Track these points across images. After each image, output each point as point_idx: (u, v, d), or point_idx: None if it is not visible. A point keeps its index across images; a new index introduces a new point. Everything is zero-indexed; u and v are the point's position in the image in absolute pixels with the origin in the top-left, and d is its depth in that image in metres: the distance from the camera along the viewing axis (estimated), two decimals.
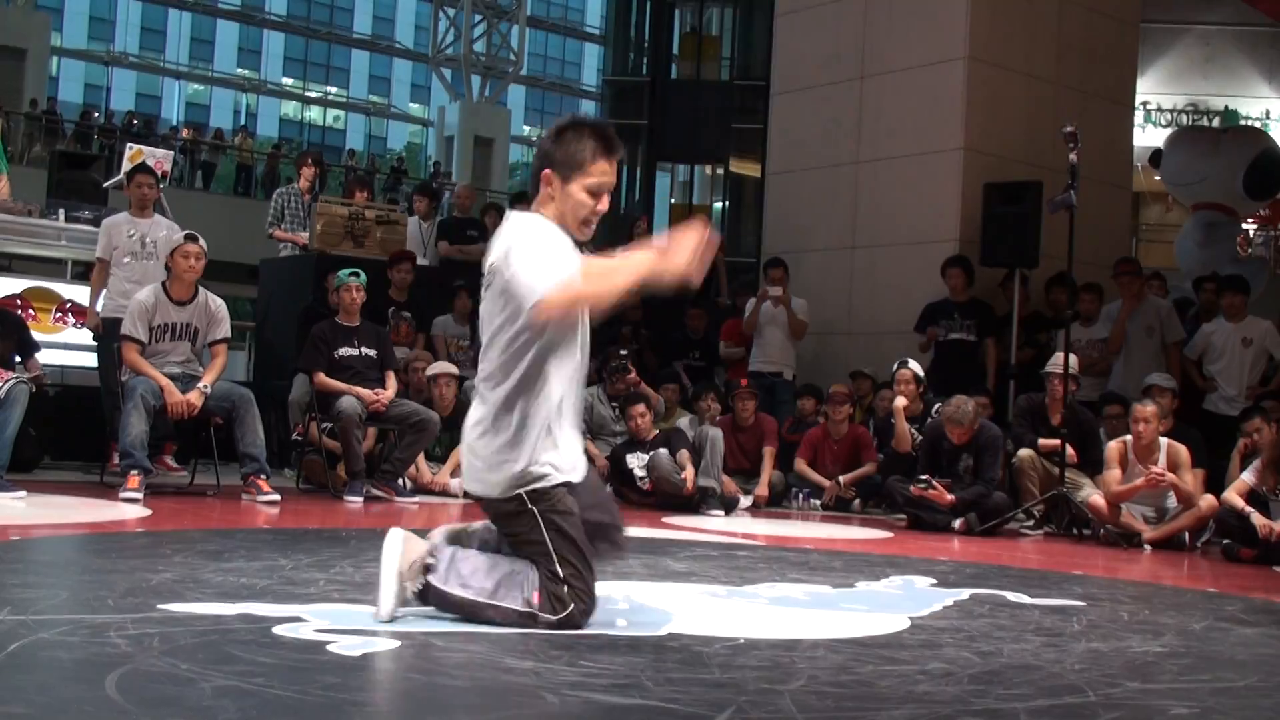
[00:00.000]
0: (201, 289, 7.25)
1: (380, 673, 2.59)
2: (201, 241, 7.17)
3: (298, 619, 3.11)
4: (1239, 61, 26.93)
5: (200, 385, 6.93)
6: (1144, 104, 24.47)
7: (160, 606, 3.21)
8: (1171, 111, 26.89)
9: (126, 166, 9.20)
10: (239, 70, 43.17)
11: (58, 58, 37.19)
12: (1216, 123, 25.69)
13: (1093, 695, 2.79)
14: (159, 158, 9.82)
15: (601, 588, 3.26)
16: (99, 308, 8.10)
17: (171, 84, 41.96)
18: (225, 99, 42.77)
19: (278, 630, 2.96)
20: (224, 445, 7.42)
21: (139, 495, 6.49)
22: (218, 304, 7.29)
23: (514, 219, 3.39)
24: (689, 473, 8.24)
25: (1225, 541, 7.11)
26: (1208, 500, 7.33)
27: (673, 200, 28.76)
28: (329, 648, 2.78)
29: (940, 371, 9.42)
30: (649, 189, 27.06)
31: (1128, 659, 3.32)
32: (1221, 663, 3.41)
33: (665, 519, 7.54)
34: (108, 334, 7.83)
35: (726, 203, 26.97)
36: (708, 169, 27.89)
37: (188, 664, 2.55)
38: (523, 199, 12.01)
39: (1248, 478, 7.06)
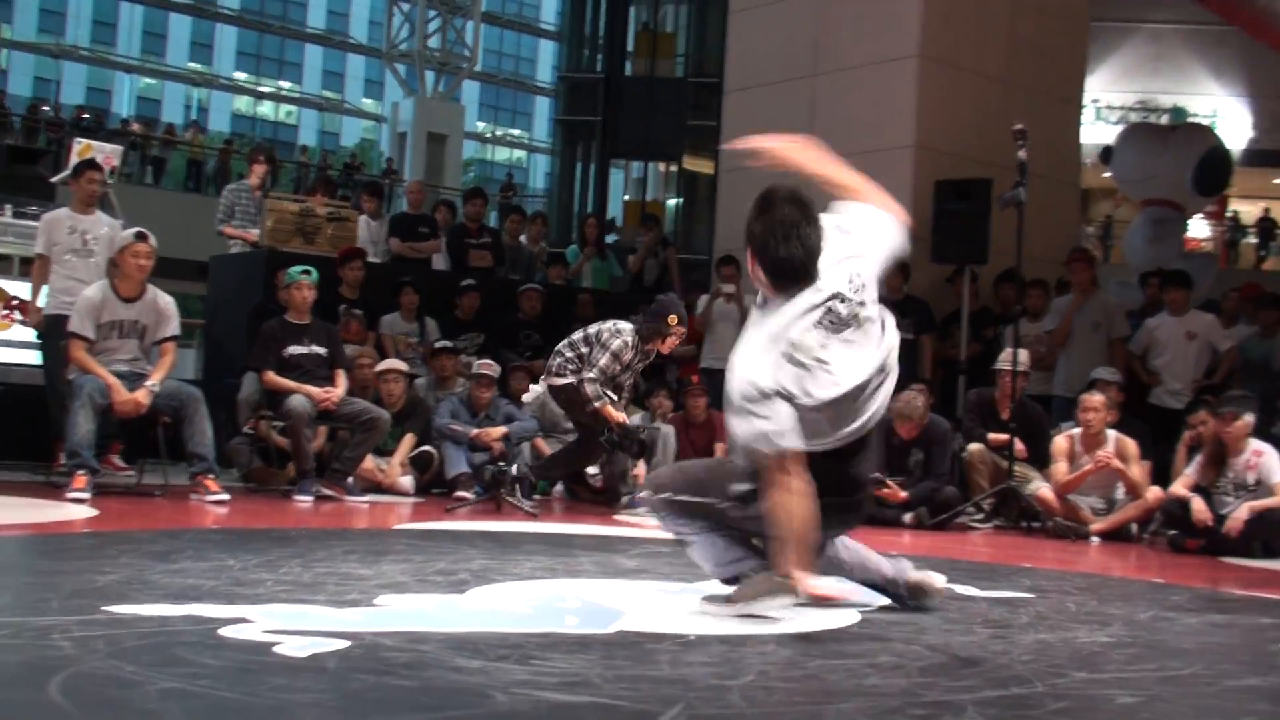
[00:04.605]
0: (150, 286, 7.18)
1: (328, 673, 2.57)
2: (152, 240, 7.10)
3: (245, 620, 3.09)
4: (1187, 60, 27.21)
5: (148, 384, 6.86)
6: (1094, 102, 24.71)
7: (106, 608, 3.18)
8: (1121, 109, 27.15)
9: (74, 161, 9.09)
10: (191, 64, 42.80)
11: (7, 50, 36.73)
12: (1165, 120, 25.94)
13: (1040, 686, 2.82)
14: (108, 153, 9.70)
15: (552, 586, 3.25)
16: (41, 304, 8.01)
17: (123, 78, 41.53)
18: (177, 93, 42.39)
19: (224, 631, 2.94)
20: (172, 445, 7.35)
21: (86, 495, 6.43)
22: (166, 301, 7.22)
23: None
24: (640, 470, 8.24)
25: (1171, 533, 7.20)
26: (1154, 491, 7.42)
27: (626, 197, 28.75)
28: (276, 649, 2.76)
29: None
30: (603, 186, 27.05)
31: (1074, 649, 3.35)
32: (1167, 652, 3.46)
33: (617, 516, 7.55)
34: (51, 331, 7.75)
35: (680, 200, 27.01)
36: (662, 166, 27.91)
37: (133, 666, 2.52)
38: (478, 195, 11.98)
39: (1190, 472, 7.14)
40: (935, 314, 10.17)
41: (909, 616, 3.80)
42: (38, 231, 8.09)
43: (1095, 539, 7.36)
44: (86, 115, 27.80)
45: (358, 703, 2.38)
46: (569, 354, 7.61)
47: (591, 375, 7.41)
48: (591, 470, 8.42)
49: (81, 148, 9.70)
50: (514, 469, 7.74)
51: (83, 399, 6.66)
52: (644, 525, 6.59)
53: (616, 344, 7.49)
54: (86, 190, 8.08)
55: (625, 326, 7.67)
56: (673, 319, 7.46)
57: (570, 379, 7.56)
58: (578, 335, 7.70)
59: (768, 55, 11.90)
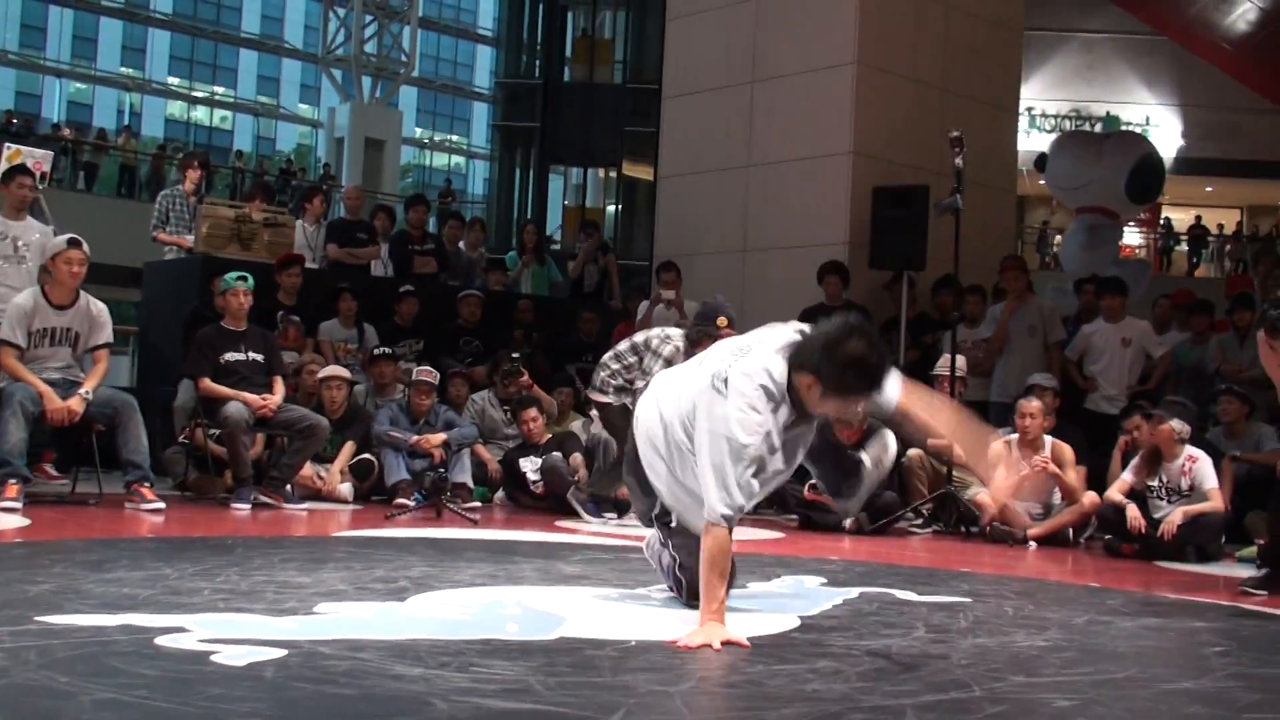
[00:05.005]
0: (83, 293, 7.07)
1: (266, 682, 2.54)
2: (85, 247, 7.00)
3: (181, 629, 3.05)
4: (1120, 68, 27.63)
5: (81, 391, 6.77)
6: (1028, 109, 25.03)
7: (38, 619, 3.13)
8: (1055, 117, 27.52)
9: (4, 166, 8.95)
10: (123, 69, 42.21)
11: None
12: (1099, 128, 26.31)
13: (978, 690, 2.84)
14: (38, 158, 9.56)
15: (493, 592, 3.24)
16: None
17: (53, 82, 40.89)
18: (109, 98, 41.77)
19: (160, 641, 2.90)
20: (106, 452, 7.25)
21: (17, 505, 6.32)
22: (99, 308, 7.12)
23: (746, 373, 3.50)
24: (581, 476, 8.22)
25: (1107, 537, 7.28)
26: (1090, 496, 7.49)
27: (566, 203, 28.73)
28: (213, 658, 2.73)
29: None
30: (541, 192, 27.01)
31: (1012, 653, 3.39)
32: (1103, 655, 3.50)
33: (558, 522, 7.53)
34: None
35: (619, 206, 27.03)
36: (600, 172, 27.94)
37: (66, 677, 2.48)
38: (420, 202, 11.90)
39: (1128, 476, 7.23)
40: (874, 320, 10.22)
41: (848, 621, 3.82)
42: None
43: (1032, 544, 7.42)
44: (16, 120, 27.35)
45: (296, 711, 2.35)
46: (615, 366, 7.50)
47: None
48: (532, 476, 8.39)
49: (11, 153, 9.54)
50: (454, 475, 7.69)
51: (14, 407, 6.55)
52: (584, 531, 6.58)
53: (669, 350, 7.38)
54: (17, 195, 7.97)
55: (674, 332, 7.58)
56: (722, 320, 7.16)
57: (612, 398, 7.49)
58: (623, 346, 7.59)
59: (705, 62, 11.94)
